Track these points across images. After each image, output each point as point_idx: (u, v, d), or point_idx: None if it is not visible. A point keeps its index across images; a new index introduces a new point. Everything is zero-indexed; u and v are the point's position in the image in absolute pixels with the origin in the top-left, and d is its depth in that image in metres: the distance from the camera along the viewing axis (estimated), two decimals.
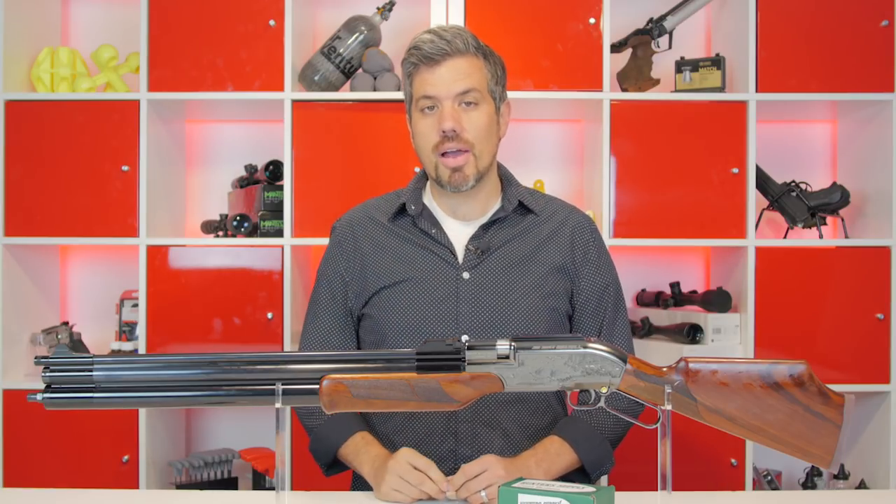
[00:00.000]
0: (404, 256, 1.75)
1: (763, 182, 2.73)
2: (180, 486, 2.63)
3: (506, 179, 1.82)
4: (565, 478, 1.66)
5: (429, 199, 1.80)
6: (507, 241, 1.75)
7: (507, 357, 1.34)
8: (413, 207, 1.76)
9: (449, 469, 1.64)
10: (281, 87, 2.61)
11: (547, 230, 1.78)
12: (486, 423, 1.70)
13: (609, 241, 2.58)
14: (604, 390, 1.36)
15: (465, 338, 1.67)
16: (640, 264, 2.90)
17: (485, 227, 1.75)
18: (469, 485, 1.51)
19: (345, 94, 2.68)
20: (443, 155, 1.69)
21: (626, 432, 1.74)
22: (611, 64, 2.63)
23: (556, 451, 1.64)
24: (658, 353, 2.63)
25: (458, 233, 1.76)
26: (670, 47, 2.73)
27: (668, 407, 1.35)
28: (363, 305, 1.77)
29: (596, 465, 1.67)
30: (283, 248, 2.61)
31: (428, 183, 1.83)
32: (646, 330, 2.72)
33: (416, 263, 1.74)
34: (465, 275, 1.71)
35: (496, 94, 1.74)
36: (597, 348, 1.35)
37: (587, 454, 1.66)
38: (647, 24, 2.73)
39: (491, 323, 1.69)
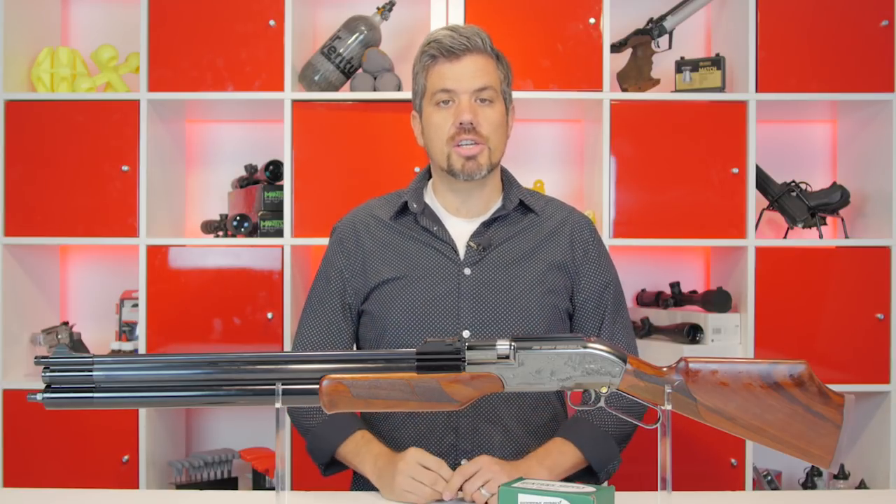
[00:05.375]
0: (406, 252, 1.76)
1: (763, 182, 2.73)
2: (180, 486, 2.63)
3: (507, 180, 1.84)
4: (572, 479, 1.66)
5: (430, 197, 1.82)
6: (508, 239, 1.76)
7: (507, 357, 1.34)
8: (415, 205, 1.77)
9: (449, 464, 1.65)
10: (281, 87, 2.61)
11: (547, 229, 1.79)
12: (487, 418, 1.70)
13: (609, 241, 2.58)
14: (604, 390, 1.36)
15: (466, 333, 1.68)
16: (640, 264, 2.90)
17: (486, 225, 1.77)
18: (466, 486, 1.52)
19: (345, 94, 2.68)
20: (457, 146, 1.71)
21: (633, 431, 1.74)
22: (611, 64, 2.63)
23: (559, 450, 1.64)
24: (658, 353, 2.64)
25: (460, 230, 1.77)
26: (670, 47, 2.74)
27: (668, 407, 1.35)
28: (363, 301, 1.77)
29: (603, 464, 1.67)
30: (283, 248, 2.61)
31: (430, 182, 1.84)
32: (646, 330, 2.72)
33: (418, 259, 1.74)
34: (467, 271, 1.72)
35: (507, 95, 1.78)
36: (597, 348, 1.36)
37: (593, 453, 1.65)
38: (647, 24, 2.73)
39: (492, 319, 1.70)
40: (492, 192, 1.80)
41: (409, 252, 1.76)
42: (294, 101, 2.62)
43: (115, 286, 2.87)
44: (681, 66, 2.71)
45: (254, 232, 2.68)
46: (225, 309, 2.61)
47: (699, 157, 2.63)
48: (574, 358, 1.35)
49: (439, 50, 1.71)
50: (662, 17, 2.72)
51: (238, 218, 2.67)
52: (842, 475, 2.62)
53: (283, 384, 1.33)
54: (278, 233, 2.65)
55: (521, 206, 1.80)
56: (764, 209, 2.74)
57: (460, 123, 1.69)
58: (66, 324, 2.76)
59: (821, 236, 2.70)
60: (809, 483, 2.67)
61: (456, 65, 1.71)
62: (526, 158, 2.91)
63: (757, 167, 2.67)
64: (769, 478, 2.68)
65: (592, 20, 2.62)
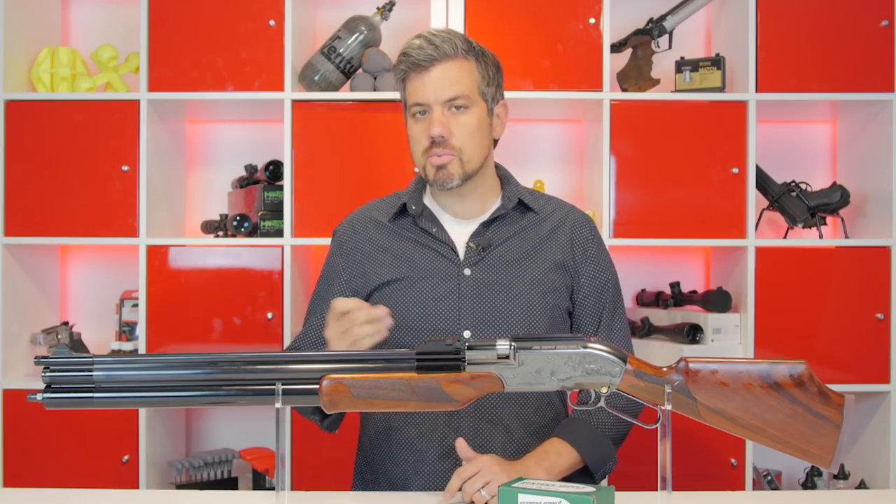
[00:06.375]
0: (405, 254, 1.76)
1: (763, 182, 2.73)
2: (180, 486, 2.63)
3: (505, 179, 1.83)
4: (569, 479, 1.66)
5: (429, 199, 1.82)
6: (507, 239, 1.76)
7: (508, 357, 1.34)
8: (414, 207, 1.77)
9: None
10: (281, 87, 2.61)
11: (547, 227, 1.79)
12: (488, 419, 1.70)
13: (609, 241, 2.58)
14: (604, 390, 1.36)
15: (467, 334, 1.68)
16: (640, 264, 2.90)
17: (485, 225, 1.76)
18: (466, 486, 1.52)
19: (345, 94, 2.68)
20: (430, 156, 1.70)
21: (628, 431, 1.74)
22: (611, 64, 2.63)
23: (557, 451, 1.65)
24: (658, 353, 2.64)
25: (459, 231, 1.77)
26: (670, 47, 2.74)
27: (668, 407, 1.35)
28: None
29: (599, 464, 1.67)
30: (282, 248, 2.61)
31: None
32: (646, 330, 2.72)
33: (418, 261, 1.74)
34: (467, 271, 1.72)
35: (488, 95, 1.75)
36: (597, 348, 1.36)
37: (589, 453, 1.66)
38: (647, 24, 2.73)
39: (493, 319, 1.70)
40: (487, 192, 1.79)
41: (409, 254, 1.75)
42: (294, 101, 2.62)
43: (115, 286, 2.87)
44: (681, 66, 2.71)
45: (254, 232, 2.69)
46: (225, 309, 2.61)
47: (699, 157, 2.63)
48: (574, 358, 1.35)
49: (408, 64, 1.71)
50: (662, 17, 2.72)
51: (238, 218, 2.67)
52: (842, 475, 2.62)
53: (283, 384, 1.33)
54: (278, 233, 2.65)
55: (520, 205, 1.79)
56: (764, 209, 2.74)
57: (431, 137, 1.69)
58: (66, 324, 2.76)
59: (821, 236, 2.70)
60: (809, 483, 2.67)
61: (425, 76, 1.69)
62: (526, 158, 2.91)
63: (757, 167, 2.67)
64: (769, 478, 2.68)
65: (592, 20, 2.62)
